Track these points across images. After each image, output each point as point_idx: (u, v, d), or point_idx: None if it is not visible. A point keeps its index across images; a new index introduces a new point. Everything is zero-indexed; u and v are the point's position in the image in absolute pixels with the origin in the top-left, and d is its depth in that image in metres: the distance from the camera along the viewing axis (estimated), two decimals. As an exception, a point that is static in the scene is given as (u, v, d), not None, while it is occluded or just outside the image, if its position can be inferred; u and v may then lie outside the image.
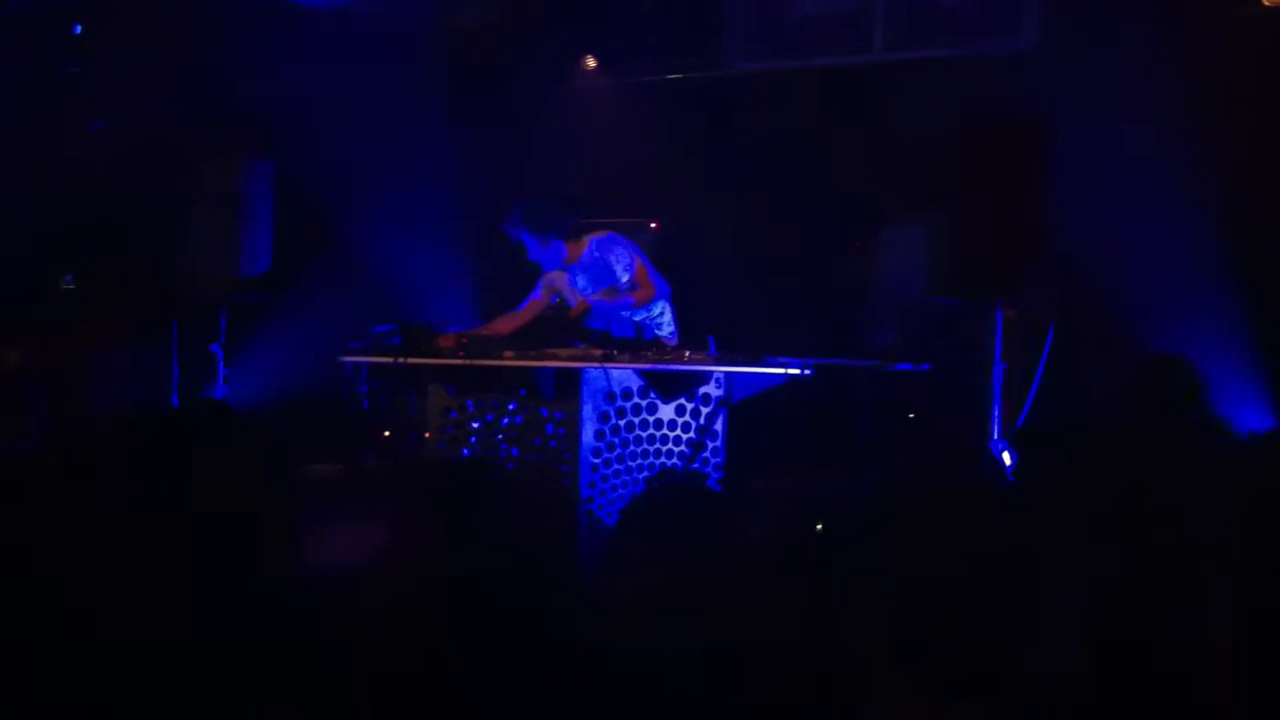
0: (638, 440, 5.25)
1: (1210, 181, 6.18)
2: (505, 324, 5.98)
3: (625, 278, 5.80)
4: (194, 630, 2.47)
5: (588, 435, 5.23)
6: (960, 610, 2.55)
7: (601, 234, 5.93)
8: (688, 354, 5.30)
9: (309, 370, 6.18)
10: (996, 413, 5.44)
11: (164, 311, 6.38)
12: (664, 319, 5.95)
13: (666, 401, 5.24)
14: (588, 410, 5.23)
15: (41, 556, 2.60)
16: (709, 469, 5.18)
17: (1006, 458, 5.31)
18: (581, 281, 5.92)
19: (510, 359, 5.39)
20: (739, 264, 7.61)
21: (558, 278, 5.97)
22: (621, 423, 5.24)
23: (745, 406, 5.30)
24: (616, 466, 5.22)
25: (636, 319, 5.85)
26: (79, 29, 6.53)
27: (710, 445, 5.21)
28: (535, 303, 6.02)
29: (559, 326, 5.79)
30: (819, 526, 3.87)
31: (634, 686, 2.40)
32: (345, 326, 5.82)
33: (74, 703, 2.33)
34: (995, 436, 5.39)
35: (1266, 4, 6.20)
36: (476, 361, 5.38)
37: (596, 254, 5.86)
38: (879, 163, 7.20)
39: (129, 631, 2.47)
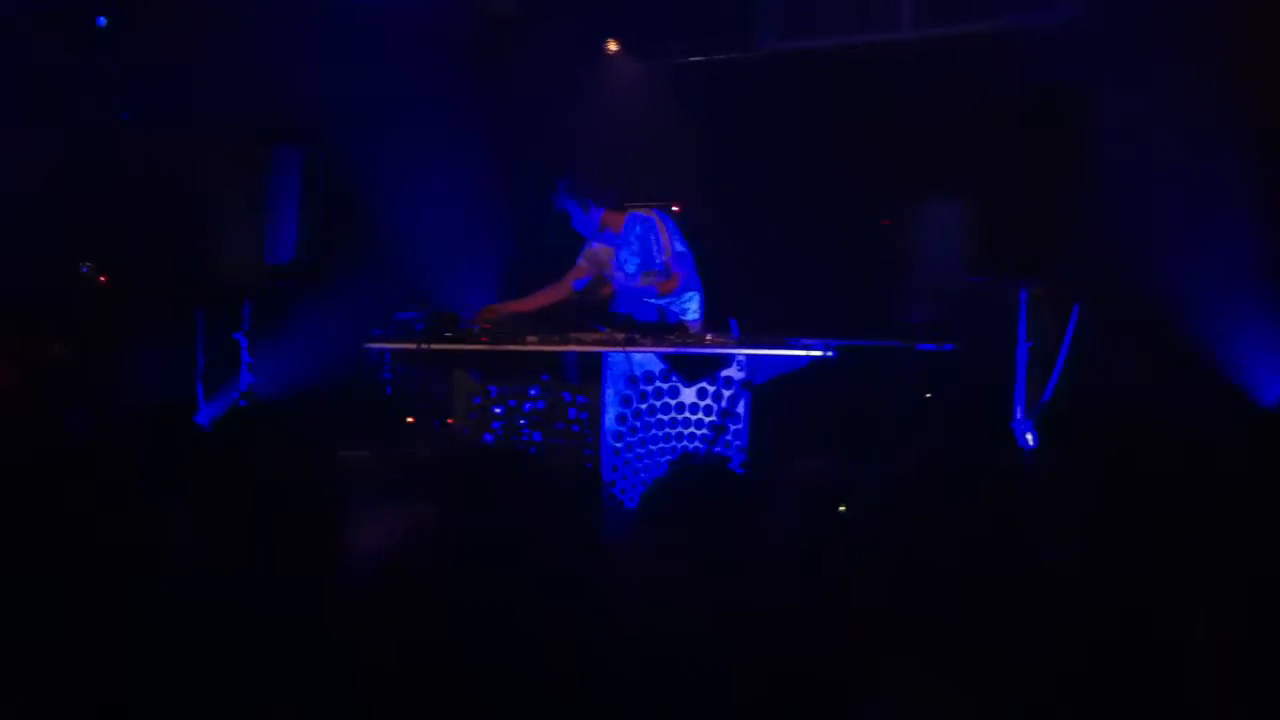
0: (660, 424, 5.23)
1: (1248, 159, 6.07)
2: (550, 295, 5.97)
3: (659, 260, 5.82)
4: (222, 618, 2.48)
5: (610, 419, 5.23)
6: (970, 597, 2.52)
7: (647, 212, 5.94)
8: (709, 337, 5.28)
9: (334, 358, 6.20)
10: (1020, 393, 5.37)
11: (190, 300, 6.42)
12: (690, 305, 5.93)
13: (688, 385, 5.22)
14: (610, 394, 5.23)
15: (71, 547, 2.62)
16: (731, 452, 5.16)
17: (1030, 438, 5.25)
18: (624, 256, 5.93)
19: (533, 344, 5.39)
20: (763, 245, 7.57)
21: (602, 252, 5.99)
22: (644, 406, 5.23)
23: (768, 388, 5.27)
24: (639, 450, 5.21)
25: (660, 305, 5.84)
26: (103, 22, 6.56)
27: (732, 428, 5.19)
28: (576, 274, 6.01)
29: (582, 310, 5.79)
30: (841, 509, 3.84)
31: (651, 678, 2.38)
32: (371, 314, 5.84)
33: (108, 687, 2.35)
34: (1019, 417, 5.33)
35: None
36: (499, 346, 5.38)
37: (639, 230, 5.87)
38: (908, 141, 7.13)
39: (158, 618, 2.48)
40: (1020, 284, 5.44)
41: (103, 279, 6.51)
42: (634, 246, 5.91)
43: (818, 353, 5.05)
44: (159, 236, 6.56)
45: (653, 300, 5.82)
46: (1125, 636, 2.48)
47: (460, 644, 2.53)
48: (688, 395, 5.22)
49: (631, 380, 5.21)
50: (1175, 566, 2.79)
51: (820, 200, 7.64)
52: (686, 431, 5.21)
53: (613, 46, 8.58)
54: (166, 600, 2.60)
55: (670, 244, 5.84)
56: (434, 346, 5.44)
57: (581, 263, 6.04)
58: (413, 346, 5.48)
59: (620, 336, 5.25)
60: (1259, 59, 6.27)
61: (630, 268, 5.90)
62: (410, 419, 5.72)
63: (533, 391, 5.48)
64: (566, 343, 5.40)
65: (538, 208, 6.18)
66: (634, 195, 6.49)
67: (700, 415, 5.20)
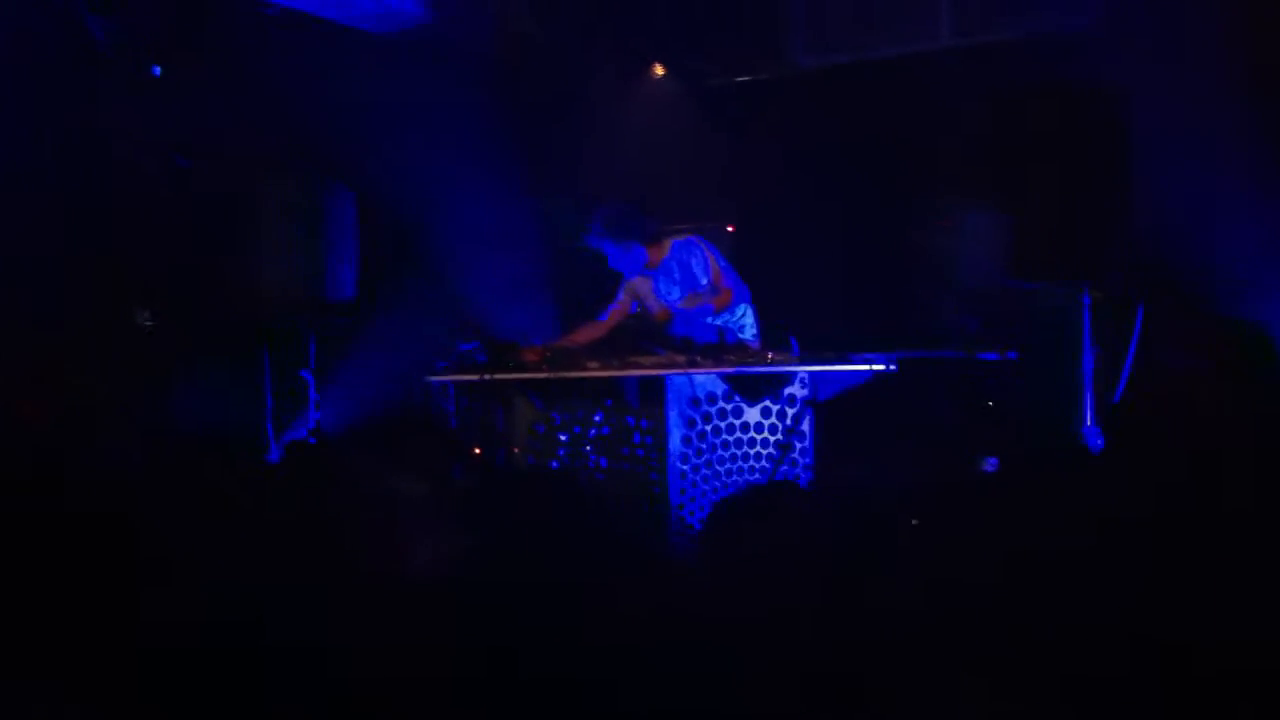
0: (725, 445, 5.24)
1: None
2: (587, 333, 6.03)
3: (704, 281, 5.83)
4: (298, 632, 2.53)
5: (675, 442, 5.23)
6: (1031, 602, 2.52)
7: (682, 237, 5.97)
8: (771, 355, 5.29)
9: (398, 391, 6.27)
10: (1089, 399, 5.34)
11: (254, 340, 6.51)
12: (746, 321, 5.95)
13: (752, 404, 5.24)
14: (674, 417, 5.24)
15: (124, 572, 2.68)
16: (798, 469, 5.17)
17: (1099, 443, 5.23)
18: (664, 286, 5.95)
19: (594, 369, 5.42)
20: (816, 259, 7.59)
21: (639, 284, 6.01)
22: (708, 428, 5.25)
23: (832, 404, 5.28)
24: (705, 472, 5.22)
25: (718, 323, 5.86)
26: (158, 71, 6.68)
27: (798, 446, 5.20)
28: (616, 311, 6.06)
29: (641, 334, 5.82)
30: (914, 522, 3.85)
31: (711, 692, 2.40)
32: (431, 346, 5.90)
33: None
34: (1088, 423, 5.31)
35: None
36: (561, 374, 5.42)
37: (678, 257, 5.89)
38: (954, 149, 7.14)
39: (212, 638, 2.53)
40: (1080, 289, 5.42)
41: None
42: (675, 275, 5.93)
43: (880, 366, 5.05)
44: (221, 275, 6.65)
45: (709, 319, 5.85)
46: (1197, 641, 2.48)
47: (523, 660, 2.56)
48: (752, 415, 5.24)
49: (694, 402, 5.23)
50: (1251, 570, 2.78)
51: (864, 212, 7.66)
52: (752, 451, 5.23)
53: (651, 70, 8.66)
54: (224, 632, 2.65)
55: (712, 260, 5.87)
56: (497, 376, 5.49)
57: (622, 297, 6.08)
58: (476, 377, 5.53)
59: (681, 359, 5.26)
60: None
61: (674, 295, 5.93)
62: (477, 450, 5.78)
63: (596, 417, 5.51)
64: (627, 367, 5.43)
65: (579, 233, 6.20)
66: (672, 219, 6.53)
67: (765, 434, 5.22)
